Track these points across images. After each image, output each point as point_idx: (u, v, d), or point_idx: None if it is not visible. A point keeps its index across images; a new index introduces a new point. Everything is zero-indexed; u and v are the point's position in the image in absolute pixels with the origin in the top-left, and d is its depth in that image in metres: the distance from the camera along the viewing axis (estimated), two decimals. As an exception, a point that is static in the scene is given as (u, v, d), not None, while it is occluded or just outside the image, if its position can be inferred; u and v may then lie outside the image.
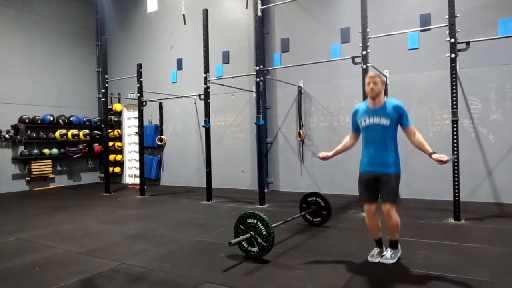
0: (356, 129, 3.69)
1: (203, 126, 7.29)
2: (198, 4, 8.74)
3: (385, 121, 3.42)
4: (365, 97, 4.33)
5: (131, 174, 11.21)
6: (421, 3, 6.88)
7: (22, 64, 9.75)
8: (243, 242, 3.72)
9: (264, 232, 3.60)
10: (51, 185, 10.21)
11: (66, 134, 10.13)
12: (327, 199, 4.90)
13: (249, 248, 3.70)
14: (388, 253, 3.56)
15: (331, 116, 7.81)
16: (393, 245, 3.58)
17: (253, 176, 8.64)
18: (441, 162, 3.27)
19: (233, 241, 3.55)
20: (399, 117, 3.44)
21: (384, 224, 3.54)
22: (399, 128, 3.50)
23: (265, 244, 3.60)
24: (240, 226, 3.77)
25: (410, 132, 3.47)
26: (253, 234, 3.66)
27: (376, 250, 3.63)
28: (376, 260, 3.55)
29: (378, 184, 3.47)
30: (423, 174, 6.55)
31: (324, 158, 3.80)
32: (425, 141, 3.42)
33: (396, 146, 3.49)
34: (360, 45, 5.56)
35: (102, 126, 9.37)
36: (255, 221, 3.66)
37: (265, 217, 3.63)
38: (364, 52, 5.51)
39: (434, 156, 3.29)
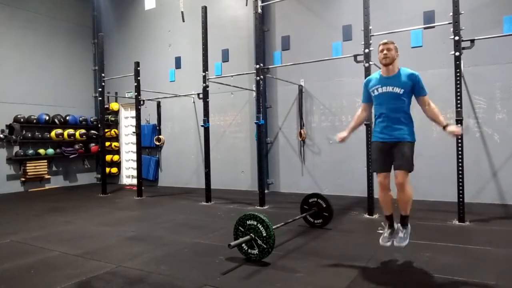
0: (368, 100, 3.61)
1: (202, 125, 7.19)
2: (197, 1, 8.62)
3: (398, 90, 3.34)
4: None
5: (128, 174, 11.10)
6: (424, 0, 6.79)
7: (17, 62, 9.63)
8: (243, 244, 3.67)
9: (264, 234, 3.54)
10: (47, 186, 10.08)
11: (62, 134, 10.00)
12: (329, 200, 4.83)
13: (249, 250, 3.64)
14: (400, 233, 3.45)
15: (332, 115, 7.72)
16: (404, 221, 3.47)
17: (253, 176, 8.54)
18: (455, 134, 3.29)
19: (232, 243, 3.51)
20: (414, 86, 3.36)
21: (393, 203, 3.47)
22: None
23: (265, 246, 3.54)
24: (240, 228, 3.72)
25: (424, 102, 3.39)
26: (253, 236, 3.61)
27: (387, 231, 3.54)
28: (388, 244, 3.48)
29: (392, 152, 3.37)
30: (426, 175, 6.46)
31: (342, 140, 3.69)
32: (440, 113, 3.37)
33: (410, 116, 3.42)
34: (362, 43, 5.50)
35: (99, 125, 9.27)
36: (255, 223, 3.62)
37: (265, 219, 3.59)
38: (367, 50, 5.45)
39: (449, 128, 3.24)
